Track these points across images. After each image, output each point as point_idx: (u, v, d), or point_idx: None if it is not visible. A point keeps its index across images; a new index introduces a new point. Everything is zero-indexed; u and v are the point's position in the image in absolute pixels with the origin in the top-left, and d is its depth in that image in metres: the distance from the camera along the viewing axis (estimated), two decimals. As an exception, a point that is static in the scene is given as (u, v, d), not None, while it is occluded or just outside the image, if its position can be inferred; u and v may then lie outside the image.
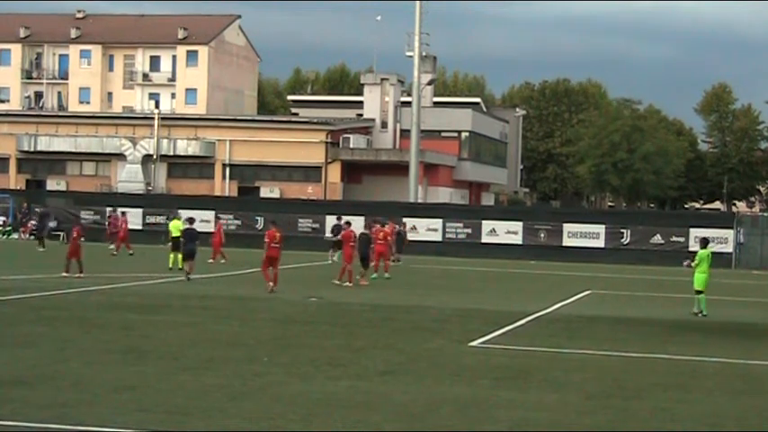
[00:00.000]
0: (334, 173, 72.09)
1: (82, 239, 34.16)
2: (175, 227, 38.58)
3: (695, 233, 50.77)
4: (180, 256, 35.20)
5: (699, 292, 26.52)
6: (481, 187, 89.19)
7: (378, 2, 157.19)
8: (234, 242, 48.54)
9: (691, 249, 49.33)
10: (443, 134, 79.50)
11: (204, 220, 49.05)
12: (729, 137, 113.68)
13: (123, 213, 49.49)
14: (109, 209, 52.76)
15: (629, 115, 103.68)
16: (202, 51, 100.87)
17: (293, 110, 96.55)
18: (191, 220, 34.68)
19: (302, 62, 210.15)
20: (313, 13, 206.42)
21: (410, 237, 49.00)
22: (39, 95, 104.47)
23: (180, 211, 49.58)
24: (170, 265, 36.95)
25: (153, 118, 72.56)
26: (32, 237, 52.88)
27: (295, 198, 64.96)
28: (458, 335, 20.95)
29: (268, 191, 71.44)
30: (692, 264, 26.73)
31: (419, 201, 63.48)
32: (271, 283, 29.40)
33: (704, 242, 27.53)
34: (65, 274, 32.02)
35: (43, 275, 32.21)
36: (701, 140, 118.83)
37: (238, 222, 55.44)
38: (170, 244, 38.61)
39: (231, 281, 33.06)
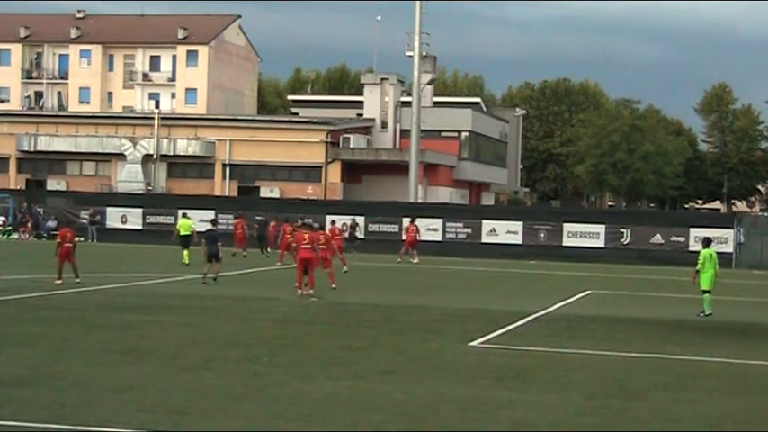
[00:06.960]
0: (334, 173, 72.06)
1: (77, 240, 32.75)
2: (184, 225, 40.09)
3: (695, 233, 50.80)
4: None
5: (705, 292, 26.19)
6: (481, 187, 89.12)
7: (378, 2, 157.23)
8: (233, 242, 48.45)
9: (691, 249, 49.44)
10: (443, 134, 79.40)
11: (203, 220, 48.99)
12: (729, 137, 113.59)
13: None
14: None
15: (629, 115, 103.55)
16: (202, 51, 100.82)
17: (293, 110, 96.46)
18: (213, 222, 35.94)
19: (302, 62, 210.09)
20: (313, 13, 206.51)
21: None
22: (39, 95, 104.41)
23: (180, 210, 49.61)
24: (186, 262, 38.29)
25: (153, 118, 72.56)
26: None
27: (295, 198, 64.93)
28: (458, 335, 20.93)
29: (268, 191, 71.40)
30: (697, 267, 26.34)
31: (419, 201, 63.45)
32: (301, 291, 28.08)
33: (706, 241, 27.21)
34: (58, 281, 29.96)
35: (42, 275, 32.16)
36: (700, 140, 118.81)
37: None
38: (179, 241, 39.85)
39: (231, 281, 33.01)
